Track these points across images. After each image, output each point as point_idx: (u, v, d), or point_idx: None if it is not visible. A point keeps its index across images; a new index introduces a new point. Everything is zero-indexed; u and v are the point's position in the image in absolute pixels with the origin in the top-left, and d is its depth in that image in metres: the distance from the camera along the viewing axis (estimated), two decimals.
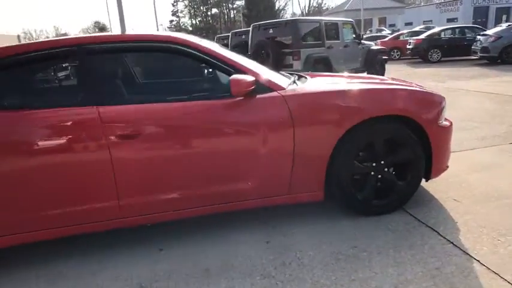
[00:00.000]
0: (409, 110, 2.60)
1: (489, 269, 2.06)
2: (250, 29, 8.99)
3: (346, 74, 4.21)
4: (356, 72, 9.80)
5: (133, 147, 2.26)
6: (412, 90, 2.77)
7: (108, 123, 2.20)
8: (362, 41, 9.62)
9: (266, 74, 2.61)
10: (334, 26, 8.84)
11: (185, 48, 2.44)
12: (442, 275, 2.04)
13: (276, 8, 54.98)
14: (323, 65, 8.37)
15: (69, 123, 2.21)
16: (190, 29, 70.40)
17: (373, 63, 9.87)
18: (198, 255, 2.40)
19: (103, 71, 2.34)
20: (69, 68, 2.41)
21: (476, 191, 3.00)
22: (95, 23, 77.17)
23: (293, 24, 8.22)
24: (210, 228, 2.70)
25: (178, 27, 78.73)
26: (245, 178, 2.48)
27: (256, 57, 8.57)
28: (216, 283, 2.11)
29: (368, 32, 28.50)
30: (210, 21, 77.10)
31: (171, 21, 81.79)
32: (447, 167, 2.93)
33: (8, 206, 2.19)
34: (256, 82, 2.40)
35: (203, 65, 2.47)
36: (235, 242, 2.52)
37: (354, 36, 9.29)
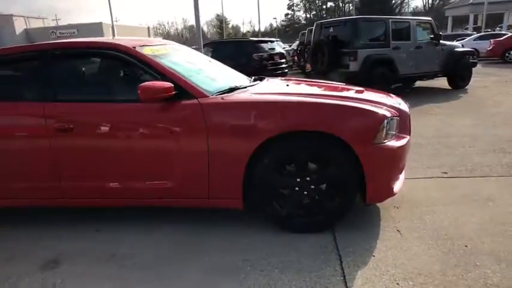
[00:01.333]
0: (332, 127, 2.42)
1: None
2: (314, 27, 8.79)
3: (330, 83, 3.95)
4: (434, 77, 8.86)
5: (68, 138, 2.62)
6: (340, 105, 2.54)
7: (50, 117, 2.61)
8: (442, 41, 8.59)
9: (201, 81, 2.71)
10: (405, 25, 8.09)
11: (125, 56, 2.68)
12: None
13: (393, 2, 51.58)
14: (385, 67, 7.78)
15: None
16: (304, 22, 70.66)
17: (457, 67, 8.76)
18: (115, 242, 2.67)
19: (53, 72, 2.74)
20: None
21: (430, 227, 2.63)
22: (217, 15, 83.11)
23: (352, 23, 7.79)
24: (137, 220, 2.95)
25: (293, 21, 79.78)
26: (165, 178, 2.63)
27: (313, 56, 8.41)
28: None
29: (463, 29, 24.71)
30: (325, 15, 76.16)
31: (286, 14, 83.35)
32: (394, 192, 2.63)
33: None
34: (178, 89, 2.53)
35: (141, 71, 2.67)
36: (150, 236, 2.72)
37: (432, 36, 8.35)
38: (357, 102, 2.60)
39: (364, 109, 2.49)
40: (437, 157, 4.10)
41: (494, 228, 2.54)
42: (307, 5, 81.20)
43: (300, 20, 79.88)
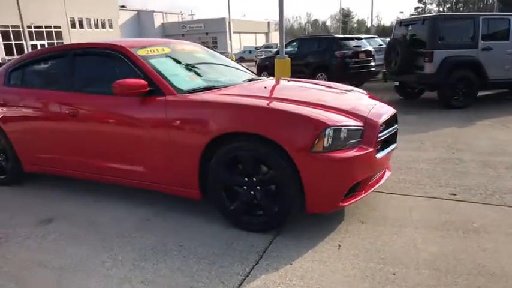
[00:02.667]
0: (267, 130, 2.45)
1: None
2: (394, 25, 8.16)
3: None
4: None
5: (73, 121, 3.20)
6: (277, 110, 2.54)
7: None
8: None
9: (174, 80, 2.98)
10: (502, 23, 6.96)
11: (121, 55, 3.10)
12: None
13: None
14: (469, 71, 6.87)
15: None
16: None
17: None
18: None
19: (68, 67, 3.34)
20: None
21: (376, 248, 2.45)
22: (341, 9, 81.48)
23: (431, 21, 6.99)
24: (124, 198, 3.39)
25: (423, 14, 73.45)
26: (138, 163, 3.01)
27: (388, 56, 7.86)
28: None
29: None
30: (462, 8, 68.21)
31: (416, 8, 77.22)
32: (340, 205, 2.53)
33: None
34: (154, 86, 2.86)
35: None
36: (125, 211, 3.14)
37: None
38: (309, 109, 2.55)
39: (303, 116, 2.44)
40: (462, 176, 3.61)
41: (446, 263, 2.25)
42: None
43: (431, 13, 73.15)
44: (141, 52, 3.14)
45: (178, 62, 3.34)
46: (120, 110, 3.00)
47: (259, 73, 13.20)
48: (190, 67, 3.37)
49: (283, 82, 3.67)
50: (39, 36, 34.88)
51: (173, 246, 2.58)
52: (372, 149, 2.58)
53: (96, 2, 40.54)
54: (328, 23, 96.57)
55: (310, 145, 2.38)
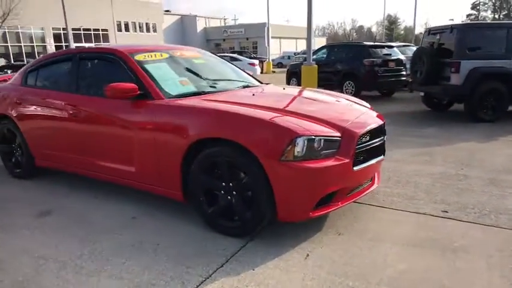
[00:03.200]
0: (239, 137, 2.50)
1: None
2: (423, 33, 7.88)
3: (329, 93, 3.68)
4: None
5: (74, 121, 3.42)
6: (248, 117, 2.56)
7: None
8: None
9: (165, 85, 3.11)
10: None
11: (119, 59, 3.28)
12: None
13: None
14: (499, 82, 6.50)
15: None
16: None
17: None
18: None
19: (73, 71, 3.58)
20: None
21: (343, 261, 2.42)
22: (388, 16, 79.46)
23: (459, 29, 6.69)
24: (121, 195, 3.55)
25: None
26: (129, 163, 3.15)
27: (413, 66, 7.62)
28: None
29: None
30: None
31: (469, 15, 74.10)
32: (311, 215, 2.52)
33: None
34: (145, 90, 3.01)
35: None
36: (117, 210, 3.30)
37: None
38: (285, 117, 2.57)
39: (275, 124, 2.47)
40: (462, 193, 3.45)
41: (409, 282, 2.18)
42: (497, 3, 70.20)
43: (485, 21, 69.56)
44: (138, 57, 3.29)
45: (174, 67, 3.47)
46: (115, 112, 3.16)
47: (288, 80, 13.20)
48: (184, 73, 3.48)
49: (275, 90, 3.68)
50: (88, 38, 36.93)
51: (150, 244, 2.68)
52: (347, 160, 2.55)
53: (143, 7, 42.37)
54: (374, 30, 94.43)
55: (280, 153, 2.40)
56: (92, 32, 37.73)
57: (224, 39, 51.11)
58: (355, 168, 2.61)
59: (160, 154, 2.91)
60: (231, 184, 2.67)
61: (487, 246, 2.52)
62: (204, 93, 3.17)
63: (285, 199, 2.48)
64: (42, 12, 30.97)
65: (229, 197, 2.69)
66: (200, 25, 52.23)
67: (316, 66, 10.24)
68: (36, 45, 33.61)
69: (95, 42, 37.44)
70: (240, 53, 28.59)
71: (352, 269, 2.31)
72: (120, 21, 40.85)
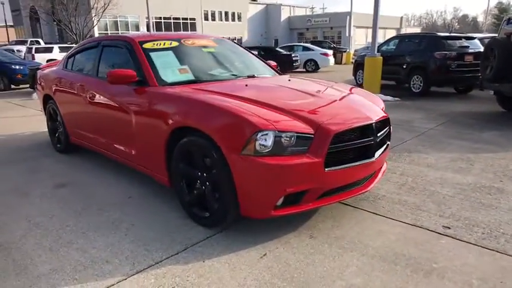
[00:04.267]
0: (207, 127, 2.49)
1: None
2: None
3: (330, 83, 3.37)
4: None
5: (90, 103, 3.71)
6: (218, 108, 2.52)
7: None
8: None
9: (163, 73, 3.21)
10: None
11: (129, 46, 3.46)
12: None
13: None
14: None
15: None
16: None
17: None
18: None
19: (95, 56, 3.86)
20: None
21: (298, 266, 2.28)
22: (498, 3, 70.58)
23: None
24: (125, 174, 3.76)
25: None
26: (131, 146, 3.32)
27: (484, 60, 6.70)
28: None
29: None
30: None
31: None
32: (272, 214, 2.42)
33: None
34: (143, 77, 3.14)
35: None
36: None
37: None
38: (256, 110, 2.47)
39: (239, 116, 2.38)
40: (481, 209, 2.99)
41: None
42: None
43: None
44: (146, 45, 3.43)
45: (179, 55, 3.53)
46: (121, 97, 3.34)
47: (355, 71, 12.60)
48: (188, 61, 3.53)
49: (276, 81, 3.51)
50: (177, 27, 39.30)
51: (126, 224, 2.83)
52: (318, 160, 2.38)
53: None
54: (480, 19, 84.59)
55: (241, 146, 2.33)
56: (181, 21, 40.02)
57: (307, 29, 50.27)
58: (327, 169, 2.42)
59: (150, 139, 3.03)
60: (204, 174, 2.67)
61: (471, 273, 2.17)
62: (200, 81, 3.20)
63: (246, 194, 2.42)
64: (139, 2, 33.65)
65: (203, 187, 2.71)
66: (284, 14, 52.01)
67: (380, 57, 9.61)
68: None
69: (182, 31, 39.69)
70: (319, 43, 27.90)
71: (300, 276, 2.17)
72: (207, 11, 42.65)
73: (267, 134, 2.31)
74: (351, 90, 3.36)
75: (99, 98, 3.63)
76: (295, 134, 2.38)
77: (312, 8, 63.95)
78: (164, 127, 2.83)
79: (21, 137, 5.69)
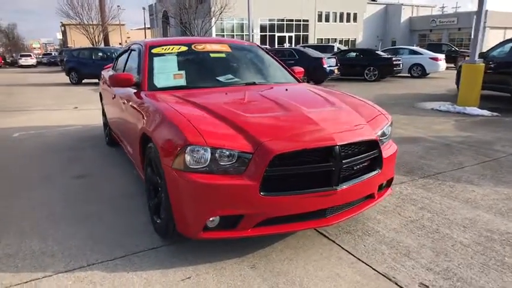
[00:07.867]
0: (154, 136, 2.47)
1: None
2: None
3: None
4: None
5: (112, 102, 3.99)
6: (164, 117, 2.46)
7: None
8: None
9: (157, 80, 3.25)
10: None
11: (140, 50, 3.61)
12: None
13: None
14: None
15: None
16: None
17: None
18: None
19: (124, 59, 4.11)
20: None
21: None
22: None
23: None
24: None
25: None
26: (129, 141, 3.47)
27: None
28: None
29: None
30: None
31: None
32: (200, 236, 2.24)
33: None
34: (139, 80, 3.25)
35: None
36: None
37: None
38: (199, 122, 2.31)
39: (175, 126, 2.28)
40: (486, 271, 2.28)
41: None
42: None
43: None
44: (155, 50, 3.52)
45: (182, 61, 3.52)
46: (126, 98, 3.50)
47: (457, 79, 10.93)
48: (188, 66, 3.50)
49: (262, 89, 3.24)
50: (289, 29, 39.81)
51: (98, 221, 2.96)
52: (252, 183, 2.12)
53: None
54: None
55: (172, 159, 2.22)
56: (294, 23, 40.41)
57: (431, 30, 45.83)
58: (264, 194, 2.13)
59: (134, 140, 3.11)
60: (160, 181, 2.63)
61: None
62: (188, 88, 3.17)
63: (177, 210, 2.30)
64: (252, 4, 35.09)
65: (162, 195, 2.65)
66: (405, 14, 48.30)
67: (481, 65, 8.22)
68: (245, 35, 38.59)
69: (294, 32, 40.08)
70: (436, 46, 25.20)
71: None
72: (321, 11, 42.18)
73: (198, 150, 2.14)
74: (346, 102, 2.92)
75: (117, 98, 3.88)
76: (232, 152, 2.15)
77: (443, 7, 58.15)
78: (138, 132, 2.87)
79: (92, 128, 6.45)
